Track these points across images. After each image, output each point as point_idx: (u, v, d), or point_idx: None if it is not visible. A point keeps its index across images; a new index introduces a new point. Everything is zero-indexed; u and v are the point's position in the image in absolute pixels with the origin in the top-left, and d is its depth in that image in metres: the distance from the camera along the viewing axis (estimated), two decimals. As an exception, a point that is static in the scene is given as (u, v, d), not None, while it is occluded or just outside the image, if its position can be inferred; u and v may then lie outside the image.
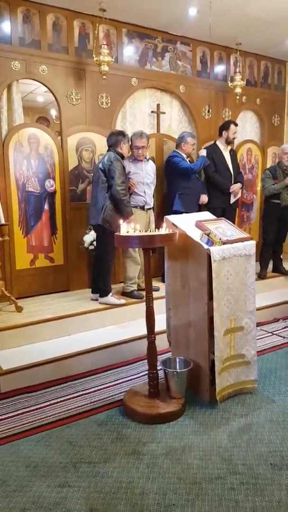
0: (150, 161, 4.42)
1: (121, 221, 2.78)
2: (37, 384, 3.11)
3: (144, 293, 3.31)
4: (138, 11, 4.19)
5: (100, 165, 3.84)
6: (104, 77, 4.06)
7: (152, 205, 4.38)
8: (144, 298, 2.75)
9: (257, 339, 3.54)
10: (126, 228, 2.63)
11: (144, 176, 4.24)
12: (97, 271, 4.07)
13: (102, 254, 3.96)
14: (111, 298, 3.96)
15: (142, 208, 4.26)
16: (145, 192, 4.24)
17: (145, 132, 4.27)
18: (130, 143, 4.15)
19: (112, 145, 3.90)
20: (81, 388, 3.08)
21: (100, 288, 3.99)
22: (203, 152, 4.63)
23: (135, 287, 4.26)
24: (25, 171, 4.13)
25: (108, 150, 3.91)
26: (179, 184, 4.52)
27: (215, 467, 2.20)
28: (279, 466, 2.19)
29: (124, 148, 3.92)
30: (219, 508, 1.93)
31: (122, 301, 3.99)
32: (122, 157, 3.92)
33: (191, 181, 4.54)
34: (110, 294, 3.98)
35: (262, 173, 5.17)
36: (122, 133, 3.93)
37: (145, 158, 4.30)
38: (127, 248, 4.12)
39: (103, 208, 3.79)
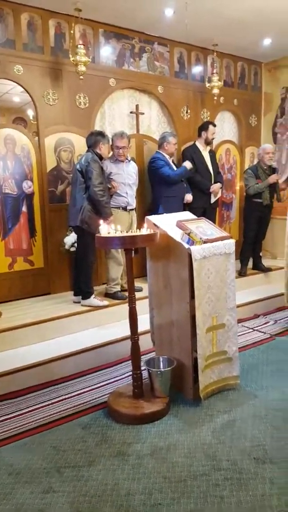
0: (131, 162, 4.42)
1: (100, 222, 2.77)
2: (19, 390, 3.07)
3: (127, 293, 3.36)
4: (114, 11, 4.18)
5: (78, 166, 3.82)
6: (81, 77, 4.03)
7: (134, 206, 4.37)
8: (127, 298, 2.74)
9: (239, 335, 3.58)
10: (105, 229, 2.62)
11: (126, 177, 4.23)
12: (78, 273, 4.04)
13: (83, 256, 3.93)
14: (94, 300, 3.94)
15: (124, 209, 4.25)
16: (127, 193, 4.23)
17: (126, 132, 4.26)
18: (110, 144, 4.14)
19: (91, 145, 3.88)
20: (65, 392, 3.05)
21: (82, 290, 3.96)
22: (187, 165, 4.62)
23: (118, 288, 4.24)
24: (1, 173, 4.07)
25: (87, 151, 3.89)
26: (163, 187, 4.54)
27: (199, 464, 2.21)
28: (262, 460, 2.22)
29: (103, 149, 3.90)
30: (204, 504, 1.95)
31: (105, 302, 3.96)
32: (101, 157, 3.89)
33: (175, 184, 4.55)
34: (93, 296, 3.96)
35: (244, 173, 5.23)
36: (101, 134, 3.91)
37: (127, 159, 4.30)
38: (109, 249, 4.10)
39: (81, 209, 3.77)
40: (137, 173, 4.43)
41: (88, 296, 3.93)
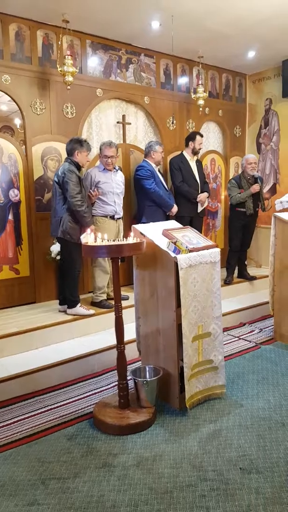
0: (119, 171, 4.44)
1: (88, 230, 2.76)
2: (3, 400, 3.02)
3: (113, 302, 3.35)
4: (101, 23, 4.23)
5: (55, 178, 3.81)
6: (69, 87, 4.05)
7: (121, 215, 4.39)
8: (114, 307, 2.73)
9: (224, 344, 3.62)
10: (87, 239, 2.61)
11: (114, 186, 4.24)
12: (63, 283, 4.02)
13: (68, 265, 3.91)
14: (79, 309, 3.92)
15: (112, 217, 4.26)
16: (115, 202, 4.25)
17: (114, 141, 4.28)
18: (99, 153, 4.14)
19: (68, 153, 3.87)
20: (50, 402, 3.01)
21: (68, 299, 3.93)
22: (174, 208, 4.68)
23: (104, 296, 4.23)
24: (-13, 181, 4.05)
25: (65, 160, 3.88)
26: (147, 196, 4.57)
27: (186, 475, 2.20)
28: (248, 470, 2.22)
29: (79, 157, 3.84)
30: (190, 516, 1.94)
31: (91, 311, 3.95)
32: (78, 166, 3.86)
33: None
34: (79, 304, 3.94)
35: (228, 183, 5.31)
36: (79, 142, 3.84)
37: (115, 168, 4.32)
38: (96, 258, 4.10)
39: (61, 220, 3.76)
40: (124, 182, 4.45)
41: (74, 305, 3.91)
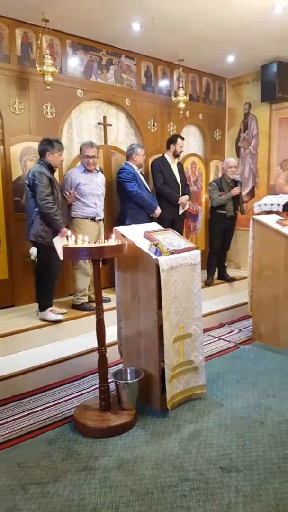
0: (100, 172, 4.42)
1: (69, 232, 2.74)
2: (-18, 405, 2.97)
3: (95, 305, 3.33)
4: (82, 23, 4.22)
5: (26, 180, 3.75)
6: (48, 87, 4.01)
7: (102, 217, 4.37)
8: (95, 309, 2.72)
9: (205, 344, 3.65)
10: (60, 242, 2.59)
11: (95, 188, 4.23)
12: (38, 285, 3.91)
13: (42, 268, 3.84)
14: (48, 314, 3.82)
15: (93, 219, 4.24)
16: (95, 204, 4.23)
17: (95, 142, 4.26)
18: (79, 153, 4.10)
19: (40, 154, 3.81)
20: (30, 406, 2.98)
21: (39, 302, 3.86)
22: (158, 210, 4.72)
23: (85, 299, 4.21)
24: None
25: (38, 161, 3.83)
26: (130, 198, 4.57)
27: (166, 476, 2.21)
28: (228, 469, 2.25)
29: (51, 158, 3.75)
30: (171, 516, 1.95)
31: (60, 316, 3.83)
32: (51, 167, 3.79)
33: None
34: (49, 309, 3.84)
35: (209, 185, 5.37)
36: (49, 142, 3.76)
37: (96, 169, 4.30)
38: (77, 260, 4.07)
39: (33, 223, 3.70)
40: (104, 183, 4.44)
41: (44, 309, 3.83)
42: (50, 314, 3.82)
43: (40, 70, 3.95)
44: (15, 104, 4.18)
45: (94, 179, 4.25)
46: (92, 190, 4.20)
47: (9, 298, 4.30)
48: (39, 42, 4.18)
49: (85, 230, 3.98)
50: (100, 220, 4.33)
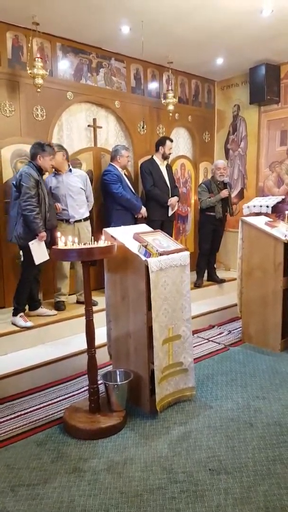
0: (76, 171, 4.35)
1: (52, 235, 2.72)
2: None
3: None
4: (72, 26, 4.23)
5: (13, 180, 3.74)
6: (39, 90, 4.02)
7: (81, 217, 4.29)
8: (84, 311, 2.72)
9: (194, 346, 3.67)
10: (36, 246, 2.58)
11: (66, 188, 4.19)
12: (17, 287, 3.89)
13: (22, 271, 3.84)
14: (18, 319, 3.74)
15: (67, 221, 4.22)
16: (67, 204, 4.19)
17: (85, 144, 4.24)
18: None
19: (31, 157, 3.80)
20: (19, 408, 2.97)
21: (13, 305, 3.82)
22: (143, 210, 4.74)
23: (61, 298, 4.26)
24: None
25: (27, 163, 3.81)
26: (115, 200, 4.58)
27: (156, 478, 2.22)
28: (217, 471, 2.27)
29: (42, 161, 3.72)
30: (161, 517, 1.96)
31: (29, 323, 3.73)
32: (41, 170, 3.77)
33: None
34: (20, 314, 3.77)
35: (198, 187, 5.41)
36: (41, 146, 3.74)
37: (68, 168, 4.24)
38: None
39: (15, 225, 3.68)
40: (84, 181, 4.33)
41: (15, 314, 3.78)
42: (20, 321, 3.73)
43: (30, 73, 3.96)
44: (5, 107, 4.17)
45: (65, 180, 4.20)
46: (63, 191, 4.18)
47: (-1, 300, 4.29)
48: (29, 45, 4.18)
49: (61, 232, 3.95)
50: (77, 221, 4.26)
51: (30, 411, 2.92)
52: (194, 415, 2.83)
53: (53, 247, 2.64)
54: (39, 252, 3.65)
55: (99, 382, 2.78)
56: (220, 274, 5.67)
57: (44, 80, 4.03)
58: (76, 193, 4.25)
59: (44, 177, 3.96)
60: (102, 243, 2.71)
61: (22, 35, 4.21)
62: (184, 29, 4.33)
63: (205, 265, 5.40)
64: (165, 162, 5.17)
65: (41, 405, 3.00)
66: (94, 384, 2.72)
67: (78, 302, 4.40)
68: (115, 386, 2.74)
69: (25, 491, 2.14)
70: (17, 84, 4.22)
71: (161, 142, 5.07)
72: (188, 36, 4.51)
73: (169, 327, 2.84)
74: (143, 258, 2.72)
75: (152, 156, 5.13)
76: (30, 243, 3.63)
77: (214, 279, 5.47)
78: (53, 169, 4.17)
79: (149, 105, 5.41)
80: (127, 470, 2.29)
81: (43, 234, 3.65)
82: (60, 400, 3.07)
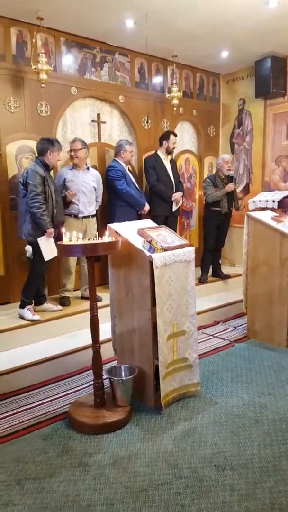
0: (92, 170, 4.42)
1: (62, 230, 2.75)
2: (-23, 402, 2.98)
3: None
4: (76, 21, 4.20)
5: (20, 178, 3.77)
6: (43, 85, 4.01)
7: (89, 213, 4.35)
8: (89, 306, 2.72)
9: (199, 342, 3.67)
10: (45, 242, 2.59)
11: (80, 184, 4.23)
12: (25, 281, 3.93)
13: (31, 267, 3.89)
14: (26, 312, 3.80)
15: (76, 216, 4.25)
16: (79, 201, 4.23)
17: (89, 140, 4.27)
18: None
19: (39, 153, 3.81)
20: (25, 402, 2.99)
21: (21, 298, 3.87)
22: (146, 207, 4.74)
23: (66, 294, 4.29)
24: None
25: (34, 160, 3.83)
26: (119, 196, 4.57)
27: (161, 473, 2.22)
28: (223, 467, 2.26)
29: (51, 157, 3.76)
30: (165, 513, 1.96)
31: (36, 317, 3.79)
32: (47, 166, 3.79)
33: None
34: (27, 307, 3.82)
35: (203, 182, 5.38)
36: (50, 141, 3.77)
37: (86, 166, 4.30)
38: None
39: (24, 222, 3.72)
40: (98, 181, 4.43)
41: (23, 306, 3.83)
42: (28, 313, 3.79)
43: (35, 68, 3.95)
44: (10, 103, 4.17)
45: (82, 176, 4.25)
46: (77, 186, 4.21)
47: (5, 295, 4.30)
48: (33, 40, 4.16)
49: (68, 226, 3.97)
50: (85, 217, 4.32)
51: (36, 406, 2.94)
52: (199, 411, 2.83)
53: (58, 242, 2.64)
54: (48, 248, 3.68)
55: (104, 377, 2.79)
56: (225, 270, 5.65)
57: (48, 76, 4.02)
58: (89, 190, 4.30)
59: (51, 173, 3.98)
60: (106, 238, 2.71)
61: (26, 31, 4.20)
62: (189, 22, 4.29)
63: (210, 261, 5.38)
64: (169, 157, 5.14)
65: (46, 400, 3.02)
66: (99, 379, 2.73)
67: (82, 297, 4.41)
68: (120, 381, 2.75)
69: (31, 485, 2.16)
70: (21, 80, 4.21)
71: (165, 136, 5.04)
72: (193, 29, 4.47)
73: (173, 323, 2.83)
74: (148, 253, 2.71)
75: (156, 151, 5.11)
76: (38, 240, 3.66)
77: (219, 275, 5.44)
78: (72, 163, 4.24)
79: (153, 100, 5.38)
80: (132, 465, 2.30)
81: (51, 230, 3.68)
82: (65, 395, 3.08)
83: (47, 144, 3.75)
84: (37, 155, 3.86)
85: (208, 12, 4.06)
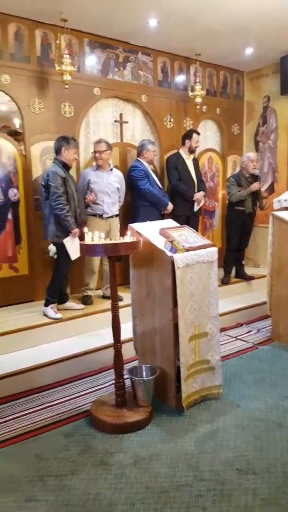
0: (115, 171, 4.44)
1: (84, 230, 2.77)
2: (0, 398, 3.03)
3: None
4: (99, 21, 4.23)
5: (42, 181, 3.82)
6: (67, 86, 4.06)
7: (113, 214, 4.38)
8: (110, 306, 2.73)
9: (221, 344, 3.61)
10: (70, 242, 2.61)
11: (105, 186, 4.26)
12: (50, 280, 4.00)
13: (55, 267, 3.96)
14: (49, 310, 3.87)
15: (100, 216, 4.27)
16: (103, 201, 4.26)
17: (111, 140, 4.29)
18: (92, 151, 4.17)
19: (56, 152, 3.85)
20: (47, 400, 3.02)
21: (45, 296, 3.93)
22: (169, 206, 4.72)
23: (88, 292, 4.32)
24: (-13, 181, 4.06)
25: (53, 160, 3.87)
26: (142, 196, 4.57)
27: (182, 475, 2.21)
28: (245, 471, 2.23)
29: (66, 154, 3.78)
30: (186, 515, 1.94)
31: (59, 315, 3.85)
32: (66, 165, 3.82)
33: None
34: (51, 306, 3.88)
35: (227, 181, 5.31)
36: (65, 139, 3.79)
37: (109, 167, 4.32)
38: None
39: (49, 224, 3.77)
40: (121, 181, 4.45)
41: (46, 305, 3.90)
42: (51, 312, 3.86)
43: (59, 70, 4.00)
44: (34, 104, 4.24)
45: (105, 177, 4.27)
46: (101, 187, 4.23)
47: (29, 294, 4.38)
48: (57, 41, 4.21)
49: (93, 226, 3.98)
50: (110, 217, 4.34)
51: (57, 403, 2.97)
52: (221, 414, 2.79)
53: (80, 242, 2.67)
54: (74, 248, 3.73)
55: (125, 376, 2.79)
56: (249, 271, 5.56)
57: (72, 77, 4.06)
58: (112, 191, 4.33)
59: (72, 172, 4.02)
60: (128, 238, 2.71)
61: (51, 32, 4.25)
62: (212, 19, 4.24)
63: (233, 262, 5.30)
64: (192, 156, 5.10)
65: (68, 398, 3.05)
66: (120, 379, 2.73)
67: (104, 296, 4.44)
68: (141, 381, 2.75)
69: (53, 481, 2.18)
70: (46, 81, 4.27)
71: (188, 135, 5.01)
72: (216, 27, 4.42)
73: (195, 324, 2.81)
74: (169, 254, 2.69)
75: (178, 150, 5.08)
76: (64, 240, 3.72)
77: (242, 276, 5.36)
78: (95, 164, 4.27)
79: (176, 99, 5.35)
80: (153, 465, 2.29)
81: (76, 230, 3.73)
82: (86, 393, 3.10)
83: (62, 141, 3.79)
84: (55, 155, 3.89)
85: (232, 8, 4.00)
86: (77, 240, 3.73)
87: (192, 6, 3.93)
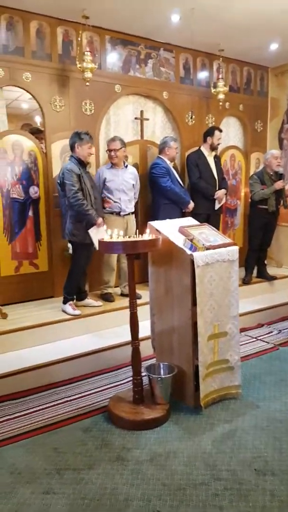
0: (130, 167, 4.42)
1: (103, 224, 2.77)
2: (21, 391, 3.09)
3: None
4: (121, 18, 4.22)
5: (58, 179, 3.84)
6: (88, 83, 4.07)
7: (130, 211, 4.37)
8: (129, 303, 2.74)
9: (241, 344, 3.58)
10: (95, 232, 2.61)
11: (121, 183, 4.25)
12: (67, 277, 4.02)
13: (72, 264, 3.97)
14: (67, 307, 3.89)
15: (118, 214, 4.28)
16: (120, 199, 4.25)
17: (119, 136, 4.27)
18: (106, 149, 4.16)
19: (70, 148, 3.86)
20: (65, 394, 3.06)
21: (63, 295, 3.96)
22: (191, 204, 4.67)
23: (108, 290, 4.32)
24: (9, 178, 4.11)
25: (69, 157, 3.89)
26: (163, 194, 4.55)
27: (199, 473, 2.20)
28: (263, 472, 2.20)
29: (79, 150, 3.77)
30: (202, 514, 1.94)
31: (77, 312, 3.87)
32: (81, 162, 3.82)
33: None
34: (69, 303, 3.91)
35: (250, 179, 5.21)
36: (77, 135, 3.78)
37: (124, 164, 4.31)
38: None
39: (66, 223, 3.80)
40: (136, 178, 4.42)
41: (65, 302, 3.93)
42: (70, 308, 3.89)
43: (80, 67, 4.01)
44: (55, 102, 4.27)
45: (121, 175, 4.26)
46: (118, 185, 4.23)
47: (49, 290, 4.43)
48: (79, 39, 4.23)
49: (111, 224, 4.00)
50: (127, 214, 4.33)
51: (76, 398, 3.01)
52: (240, 414, 2.76)
53: (99, 239, 2.68)
54: (99, 237, 3.72)
55: (143, 374, 2.80)
56: (271, 271, 5.45)
57: (93, 74, 4.07)
58: (128, 188, 4.32)
59: (90, 169, 4.03)
60: (146, 236, 2.71)
61: (72, 30, 4.27)
62: (236, 14, 4.17)
63: (254, 261, 5.21)
64: (213, 153, 5.04)
65: (86, 393, 3.08)
66: (138, 376, 2.74)
67: (122, 294, 4.45)
68: (159, 379, 2.75)
69: (71, 475, 2.21)
70: (67, 79, 4.30)
71: (210, 132, 4.95)
72: (241, 22, 4.34)
73: (214, 323, 2.78)
74: (189, 252, 2.68)
75: (200, 147, 5.03)
76: (89, 231, 3.72)
77: (264, 276, 5.26)
78: (110, 162, 4.26)
79: (198, 95, 5.30)
80: (170, 463, 2.29)
81: (100, 220, 3.75)
82: (104, 389, 3.13)
83: (75, 137, 3.79)
84: (71, 152, 3.91)
85: (257, 2, 3.92)
86: (102, 229, 3.70)
87: (215, 0, 3.87)
